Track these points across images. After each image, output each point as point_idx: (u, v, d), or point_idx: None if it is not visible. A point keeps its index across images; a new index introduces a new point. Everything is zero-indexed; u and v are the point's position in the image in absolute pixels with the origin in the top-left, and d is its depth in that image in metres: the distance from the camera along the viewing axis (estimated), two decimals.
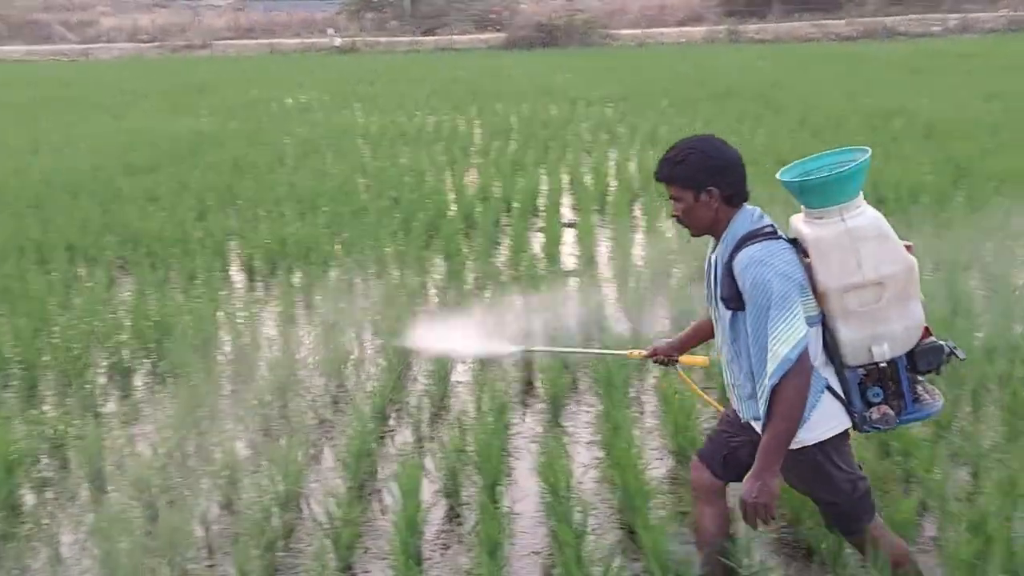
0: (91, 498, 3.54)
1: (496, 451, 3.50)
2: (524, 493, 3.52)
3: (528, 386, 4.51)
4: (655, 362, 3.01)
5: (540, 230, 7.36)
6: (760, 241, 2.39)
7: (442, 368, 4.40)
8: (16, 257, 6.43)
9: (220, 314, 5.30)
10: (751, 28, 31.51)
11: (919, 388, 2.49)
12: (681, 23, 34.89)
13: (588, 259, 6.39)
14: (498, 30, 34.34)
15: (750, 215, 2.46)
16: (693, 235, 2.54)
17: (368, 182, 9.13)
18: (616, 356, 3.93)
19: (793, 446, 2.37)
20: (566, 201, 8.45)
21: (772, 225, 2.45)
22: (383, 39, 34.44)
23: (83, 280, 6.21)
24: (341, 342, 4.87)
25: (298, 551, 3.18)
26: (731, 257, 2.40)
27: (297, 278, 6.19)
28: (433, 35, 34.95)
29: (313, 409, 4.23)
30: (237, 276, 6.55)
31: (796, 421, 2.33)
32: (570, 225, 7.35)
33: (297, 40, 35.78)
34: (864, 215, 2.41)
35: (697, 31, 32.54)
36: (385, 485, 3.57)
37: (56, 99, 18.12)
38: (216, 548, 3.20)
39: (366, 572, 3.08)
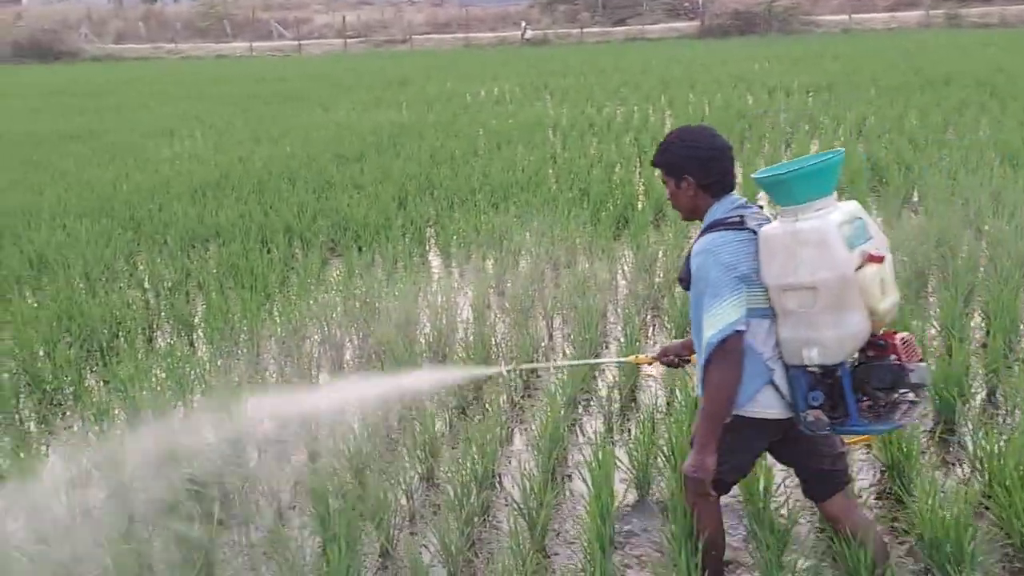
0: (306, 461, 3.84)
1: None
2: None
3: None
4: (664, 363, 3.05)
5: None
6: (718, 230, 2.50)
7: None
8: (242, 238, 7.06)
9: (420, 297, 5.57)
10: (974, 12, 28.84)
11: (888, 399, 2.44)
12: (892, 8, 32.55)
13: None
14: (692, 18, 33.55)
15: (728, 204, 2.55)
16: (682, 219, 2.74)
17: (558, 173, 9.24)
18: (621, 363, 4.00)
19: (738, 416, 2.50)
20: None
21: (741, 216, 2.50)
22: (574, 31, 34.61)
23: (299, 260, 6.72)
24: (532, 329, 4.98)
25: (494, 528, 3.29)
26: (696, 243, 2.55)
27: (490, 265, 6.39)
28: (624, 25, 34.69)
29: (506, 392, 4.34)
30: (435, 261, 6.84)
31: (722, 403, 2.45)
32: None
33: (492, 34, 36.73)
34: (817, 219, 2.38)
35: (910, 16, 30.24)
36: (576, 472, 3.62)
37: (273, 93, 19.65)
38: (417, 518, 3.37)
39: (556, 554, 3.14)
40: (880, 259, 2.41)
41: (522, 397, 4.39)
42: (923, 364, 2.46)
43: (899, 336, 2.46)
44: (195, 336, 5.40)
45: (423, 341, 4.94)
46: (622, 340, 4.61)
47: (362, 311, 5.30)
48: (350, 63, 29.23)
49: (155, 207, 8.11)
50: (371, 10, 46.26)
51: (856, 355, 2.47)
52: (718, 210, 2.56)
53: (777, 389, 2.47)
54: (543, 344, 4.84)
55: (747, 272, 2.43)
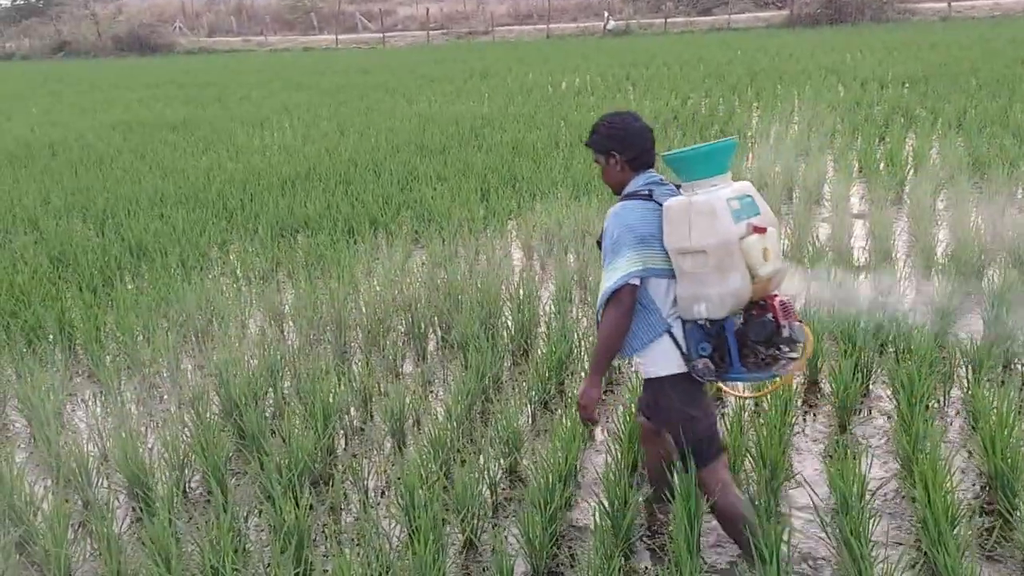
0: (393, 450, 3.90)
1: (777, 450, 3.36)
2: (805, 498, 3.34)
3: (813, 386, 4.28)
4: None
5: (826, 220, 6.92)
6: (630, 199, 2.88)
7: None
8: (329, 228, 7.21)
9: (503, 289, 5.58)
10: None
11: (767, 353, 2.80)
12: None
13: (883, 254, 5.90)
14: (780, 7, 32.68)
15: (644, 179, 2.92)
16: (614, 194, 3.00)
17: None
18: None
19: (643, 376, 2.95)
20: (856, 190, 7.87)
21: (651, 190, 2.87)
22: (658, 20, 34.13)
23: (383, 251, 6.83)
24: None
25: (578, 524, 3.27)
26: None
27: (571, 259, 6.36)
28: (709, 15, 34.02)
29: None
30: (517, 254, 6.85)
31: (611, 343, 2.82)
32: (861, 216, 6.84)
33: (573, 24, 36.53)
34: (709, 193, 2.73)
35: (1016, 2, 28.70)
36: None
37: (358, 85, 20.00)
38: (501, 511, 3.38)
39: (640, 553, 3.11)
40: (763, 230, 2.76)
41: (604, 392, 4.35)
42: (797, 323, 2.82)
43: (778, 299, 2.83)
44: (285, 325, 5.54)
45: (505, 335, 4.95)
46: None
47: (445, 302, 5.35)
48: (433, 54, 29.52)
49: (247, 197, 8.35)
50: (453, 2, 46.60)
51: (742, 313, 2.83)
52: (635, 183, 2.93)
53: (675, 341, 2.82)
54: None
55: (646, 235, 2.79)
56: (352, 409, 4.25)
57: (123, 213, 7.97)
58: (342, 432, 4.06)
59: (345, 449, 3.98)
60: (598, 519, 3.04)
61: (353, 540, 3.21)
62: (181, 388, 4.54)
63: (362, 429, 4.17)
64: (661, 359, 2.83)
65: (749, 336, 2.80)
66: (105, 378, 4.57)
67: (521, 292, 5.38)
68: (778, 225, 2.92)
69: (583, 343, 4.81)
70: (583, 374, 4.51)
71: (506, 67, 21.89)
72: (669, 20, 33.99)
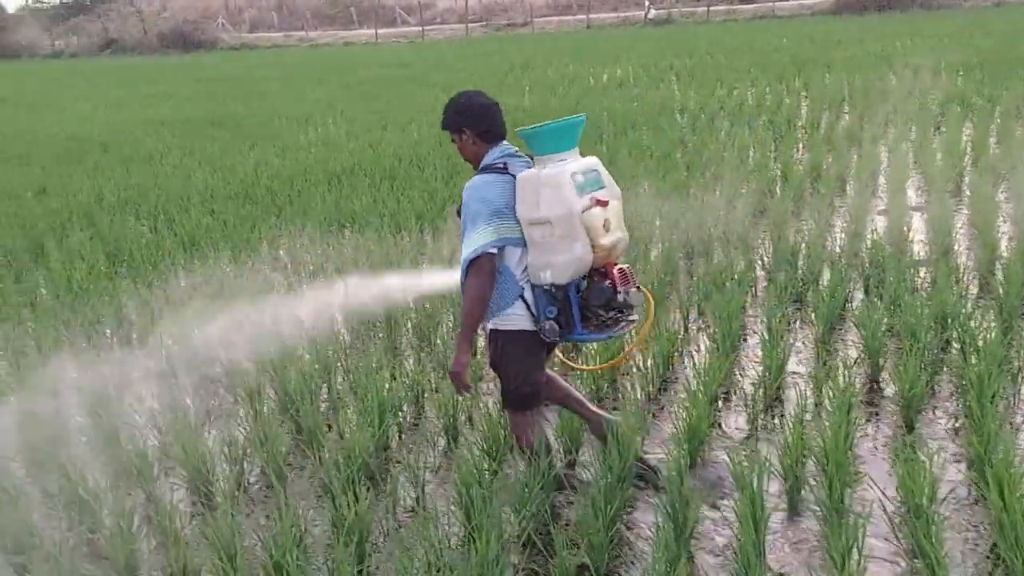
0: (447, 446, 3.89)
1: (842, 451, 3.28)
2: (872, 503, 3.26)
3: (874, 384, 4.18)
4: None
5: (881, 213, 6.77)
6: (486, 172, 3.06)
7: (776, 356, 4.22)
8: (377, 224, 7.24)
9: None
10: None
11: (607, 316, 3.05)
12: None
13: (943, 248, 5.74)
14: None
15: (498, 152, 3.10)
16: (474, 168, 3.16)
17: (688, 158, 9.01)
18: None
19: (498, 328, 3.11)
20: (912, 182, 7.67)
21: (505, 162, 3.06)
22: (699, 9, 33.71)
23: (429, 247, 6.83)
24: (666, 322, 4.87)
25: (638, 525, 3.24)
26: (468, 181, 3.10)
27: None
28: (752, 2, 33.50)
29: (642, 385, 4.27)
30: None
31: (475, 308, 3.01)
32: (919, 209, 6.67)
33: (614, 14, 36.25)
34: (556, 167, 2.95)
35: None
36: (719, 471, 3.52)
37: (398, 78, 20.08)
38: (559, 510, 3.36)
39: (701, 557, 3.06)
40: (605, 203, 3.01)
41: (658, 390, 4.30)
42: (635, 290, 3.06)
43: (617, 267, 3.06)
44: (336, 318, 5.57)
45: None
46: (765, 336, 4.44)
47: None
48: (472, 47, 29.50)
49: (294, 193, 8.42)
50: None
51: (584, 280, 3.06)
52: (491, 156, 3.11)
53: (526, 304, 3.07)
54: (679, 337, 4.73)
55: (501, 207, 3.00)
56: (404, 405, 4.25)
57: (175, 208, 8.09)
58: (395, 428, 4.07)
59: (399, 445, 3.99)
60: (658, 520, 3.00)
61: (412, 536, 3.21)
62: (237, 383, 4.59)
63: (415, 425, 4.17)
64: (515, 318, 3.09)
65: (590, 300, 3.04)
66: (166, 372, 4.63)
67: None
68: (621, 198, 3.16)
69: (634, 340, 4.75)
70: (635, 372, 4.47)
71: (546, 59, 21.79)
72: (711, 8, 33.54)
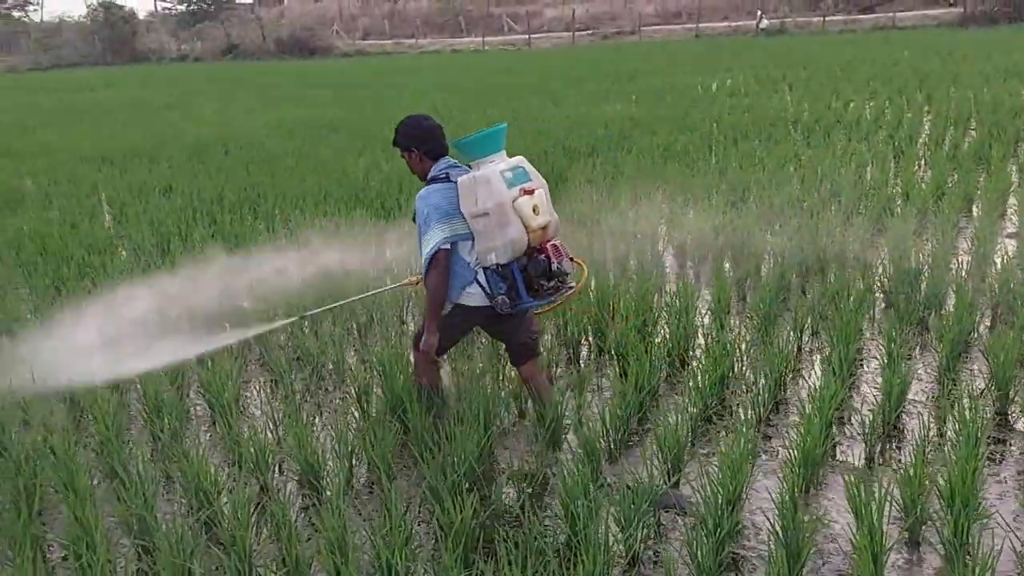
0: (550, 455, 3.89)
1: (968, 488, 3.10)
2: (1001, 543, 3.07)
3: (1002, 417, 3.94)
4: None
5: (1011, 236, 6.39)
6: (434, 183, 3.69)
7: (896, 383, 4.03)
8: None
9: (655, 299, 5.47)
10: None
11: (548, 286, 3.62)
12: None
13: None
14: (952, 4, 30.60)
15: (442, 165, 3.73)
16: (421, 180, 3.79)
17: (802, 172, 8.75)
18: (398, 288, 4.83)
19: (452, 303, 3.74)
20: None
21: (447, 173, 3.68)
22: (815, 19, 32.71)
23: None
24: (779, 340, 4.74)
25: (748, 549, 3.15)
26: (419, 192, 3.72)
27: (728, 268, 6.17)
28: (872, 13, 32.30)
29: (753, 407, 4.16)
30: (669, 260, 6.71)
31: (437, 296, 3.64)
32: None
33: (724, 23, 35.61)
34: (487, 168, 3.51)
35: None
36: (833, 501, 3.39)
37: (504, 86, 20.26)
38: (665, 528, 3.30)
39: None
40: (531, 192, 3.53)
41: (770, 412, 4.18)
42: (568, 260, 3.66)
43: (551, 243, 3.64)
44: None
45: (662, 345, 4.84)
46: (884, 361, 4.26)
47: (598, 308, 5.29)
48: (578, 55, 29.52)
49: (403, 197, 8.60)
50: (600, 2, 46.46)
51: (525, 258, 3.60)
52: (435, 169, 3.73)
53: (480, 285, 3.65)
54: (792, 357, 4.58)
55: (449, 210, 3.60)
56: (505, 411, 4.27)
57: (290, 209, 8.39)
58: (498, 433, 4.09)
59: (502, 450, 4.01)
60: (770, 546, 2.91)
61: (516, 545, 3.22)
62: (346, 381, 4.71)
63: (517, 431, 4.19)
64: (474, 297, 3.70)
65: (531, 272, 3.59)
66: (277, 367, 4.80)
67: (677, 302, 5.25)
68: (546, 186, 3.68)
69: (745, 359, 4.64)
70: (744, 388, 4.37)
71: (654, 68, 21.59)
72: (827, 19, 32.50)
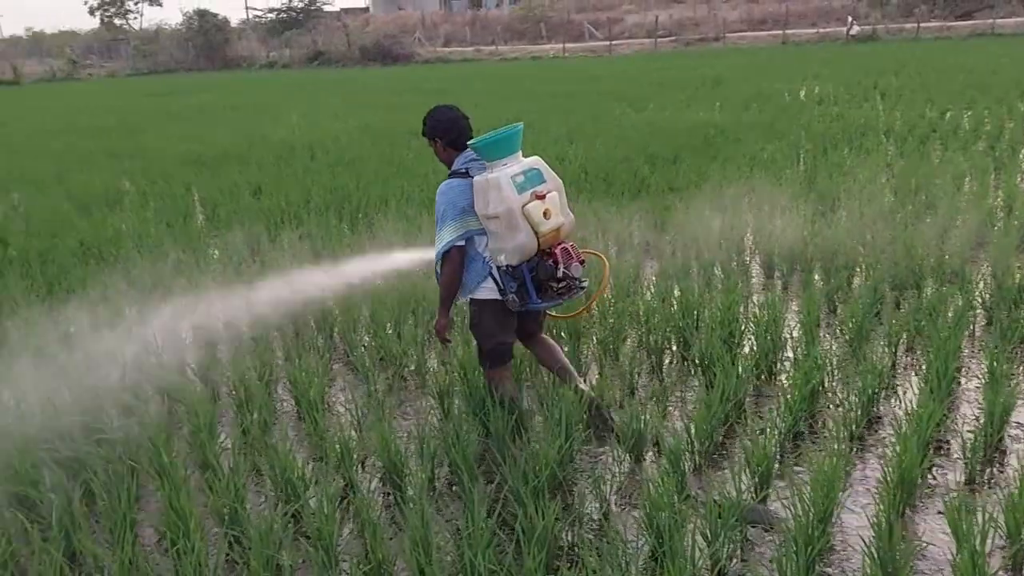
0: (632, 465, 3.84)
1: None
2: None
3: None
4: None
5: None
6: (453, 177, 3.75)
7: (999, 403, 3.84)
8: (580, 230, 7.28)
9: (741, 309, 5.35)
10: None
11: (559, 286, 3.71)
12: None
13: None
14: None
15: (463, 159, 3.77)
16: (447, 168, 3.85)
17: (895, 183, 8.45)
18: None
19: (473, 298, 3.87)
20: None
21: (467, 168, 3.72)
22: (908, 25, 31.64)
23: (614, 260, 6.80)
24: (871, 355, 4.57)
25: (840, 569, 3.04)
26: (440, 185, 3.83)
27: (818, 280, 6.00)
28: (969, 19, 31.05)
29: (845, 423, 4.01)
30: (756, 270, 6.57)
31: (450, 289, 3.78)
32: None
33: (812, 30, 34.77)
34: (501, 171, 3.55)
35: None
36: (931, 525, 3.24)
37: (585, 92, 20.20)
38: (754, 548, 3.22)
39: None
40: (543, 196, 3.61)
41: (864, 430, 4.03)
42: (575, 264, 3.71)
43: (560, 246, 3.71)
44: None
45: (750, 356, 4.73)
46: (985, 380, 4.07)
47: (683, 318, 5.21)
48: (660, 62, 29.24)
49: None
50: (683, 8, 45.96)
51: (535, 259, 3.69)
52: (458, 162, 3.79)
53: (494, 279, 3.77)
54: (886, 373, 4.42)
55: (465, 206, 3.68)
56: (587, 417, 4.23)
57: (373, 211, 8.54)
58: (580, 440, 4.06)
59: (583, 457, 3.97)
60: (867, 570, 2.80)
61: (600, 553, 3.18)
62: (428, 383, 4.75)
63: (599, 438, 4.15)
64: (486, 291, 3.81)
65: (539, 276, 3.71)
66: (361, 366, 4.88)
67: (764, 314, 5.12)
68: (562, 187, 3.76)
69: (835, 373, 4.50)
70: (835, 403, 4.24)
71: (739, 74, 21.21)
72: (921, 25, 31.38)
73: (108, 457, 3.79)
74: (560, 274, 3.67)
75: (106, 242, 7.87)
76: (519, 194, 3.55)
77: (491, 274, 3.75)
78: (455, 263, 3.73)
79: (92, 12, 65.85)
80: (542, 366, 4.30)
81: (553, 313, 4.40)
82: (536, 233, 3.58)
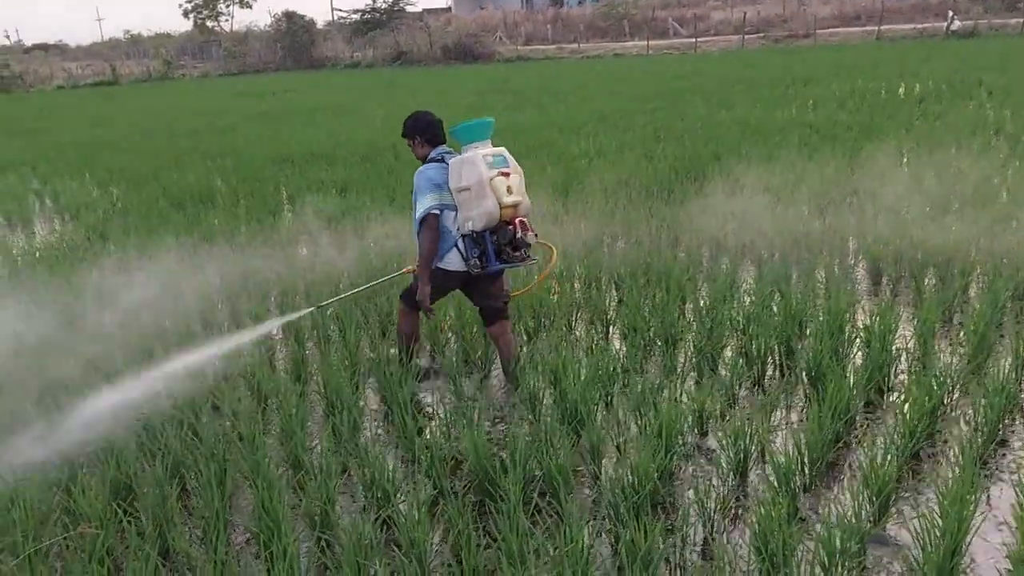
0: (735, 481, 3.62)
1: None
2: None
3: None
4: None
5: None
6: (430, 163, 4.54)
7: None
8: (653, 240, 7.07)
9: (848, 316, 5.04)
10: None
11: (514, 254, 4.40)
12: None
13: None
14: None
15: (439, 151, 4.58)
16: (421, 162, 4.61)
17: (1009, 185, 7.93)
18: (396, 276, 5.31)
19: (434, 267, 4.50)
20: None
21: (442, 156, 4.54)
22: (1012, 20, 30.05)
23: (705, 264, 6.56)
24: (992, 368, 4.23)
25: None
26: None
27: (931, 287, 5.63)
28: None
29: (971, 440, 3.70)
30: (860, 275, 6.23)
31: (429, 254, 4.43)
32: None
33: (908, 26, 33.39)
34: (472, 152, 4.37)
35: None
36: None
37: (670, 90, 19.78)
38: (871, 570, 2.98)
39: None
40: (507, 174, 4.32)
41: (990, 451, 3.71)
42: (530, 234, 4.37)
43: (518, 219, 4.35)
44: (610, 329, 5.49)
45: (859, 364, 4.44)
46: None
47: (786, 325, 4.94)
48: (748, 59, 28.51)
49: (570, 203, 8.49)
50: (771, 4, 44.79)
51: (499, 226, 4.34)
52: (433, 154, 4.56)
53: (459, 251, 4.43)
54: (1014, 390, 4.07)
55: (439, 182, 4.40)
56: (685, 429, 4.03)
57: None
58: (680, 453, 3.86)
59: (683, 472, 3.78)
60: None
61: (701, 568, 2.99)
62: (519, 387, 4.62)
63: (700, 451, 3.94)
64: (449, 262, 4.49)
65: (500, 240, 4.34)
66: (450, 370, 4.78)
67: (875, 322, 4.81)
68: (522, 174, 4.42)
69: (956, 391, 4.17)
70: (959, 422, 3.92)
71: (831, 72, 20.47)
72: None
73: (200, 456, 3.78)
74: (517, 238, 4.30)
75: (200, 238, 8.02)
76: (489, 170, 4.27)
77: (456, 245, 4.42)
78: (432, 228, 4.39)
79: (186, 15, 68.29)
80: (499, 357, 4.85)
81: (515, 293, 4.99)
82: (500, 204, 4.26)
